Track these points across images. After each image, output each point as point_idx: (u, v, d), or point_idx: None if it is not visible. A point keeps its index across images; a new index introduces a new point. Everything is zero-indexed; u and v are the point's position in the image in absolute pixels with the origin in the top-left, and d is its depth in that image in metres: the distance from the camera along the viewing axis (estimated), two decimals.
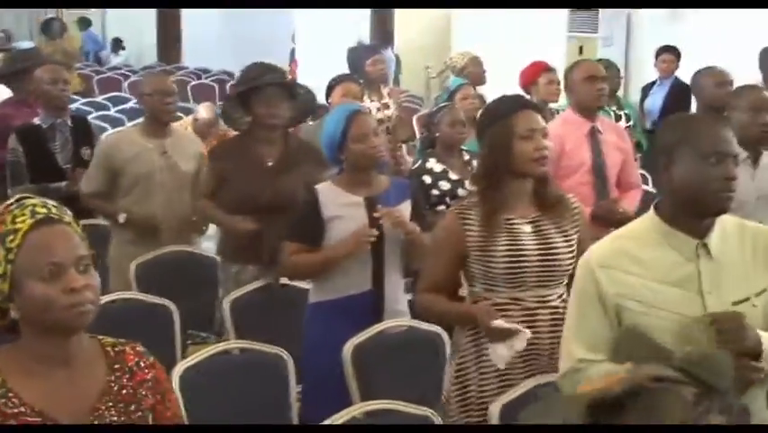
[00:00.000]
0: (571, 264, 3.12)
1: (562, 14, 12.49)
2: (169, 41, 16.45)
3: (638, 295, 2.49)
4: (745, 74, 6.27)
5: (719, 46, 9.24)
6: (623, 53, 12.21)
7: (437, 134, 5.13)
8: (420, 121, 7.95)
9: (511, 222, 3.14)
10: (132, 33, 17.90)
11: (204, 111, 7.04)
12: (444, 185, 4.96)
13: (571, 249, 3.16)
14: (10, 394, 1.97)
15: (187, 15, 16.20)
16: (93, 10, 19.30)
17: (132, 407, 2.06)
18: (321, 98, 5.61)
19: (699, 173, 2.46)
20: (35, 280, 1.94)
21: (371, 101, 6.48)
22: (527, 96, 6.03)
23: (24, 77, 5.78)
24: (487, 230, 3.11)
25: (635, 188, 4.94)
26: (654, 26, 11.22)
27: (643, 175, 6.04)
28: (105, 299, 3.61)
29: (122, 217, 4.74)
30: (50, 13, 17.50)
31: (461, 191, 4.90)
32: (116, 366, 2.08)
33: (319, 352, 3.69)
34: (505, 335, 3.03)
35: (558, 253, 3.14)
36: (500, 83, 6.95)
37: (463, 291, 3.40)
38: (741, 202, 4.08)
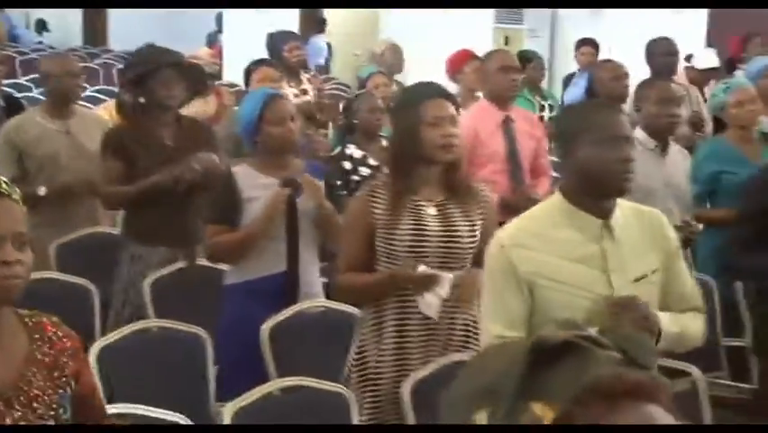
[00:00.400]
0: (472, 248, 3.23)
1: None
2: (95, 24, 16.24)
3: (548, 272, 2.61)
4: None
5: (639, 39, 9.44)
6: (548, 45, 12.41)
7: (356, 121, 5.19)
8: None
9: (417, 203, 3.23)
10: (57, 15, 17.59)
11: None
12: (364, 170, 5.01)
13: (473, 234, 3.25)
14: None
15: None
16: None
17: (56, 373, 2.12)
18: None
19: (599, 157, 2.61)
20: None
21: (290, 86, 6.48)
22: (453, 84, 6.15)
23: None
24: (392, 210, 3.19)
25: (546, 174, 5.03)
26: (579, 19, 11.40)
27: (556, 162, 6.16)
28: None
29: (41, 190, 4.59)
30: None
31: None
32: (36, 336, 2.13)
33: (234, 333, 3.74)
34: (428, 282, 3.13)
35: (460, 236, 3.22)
36: (427, 71, 7.02)
37: None
38: (650, 189, 4.24)
